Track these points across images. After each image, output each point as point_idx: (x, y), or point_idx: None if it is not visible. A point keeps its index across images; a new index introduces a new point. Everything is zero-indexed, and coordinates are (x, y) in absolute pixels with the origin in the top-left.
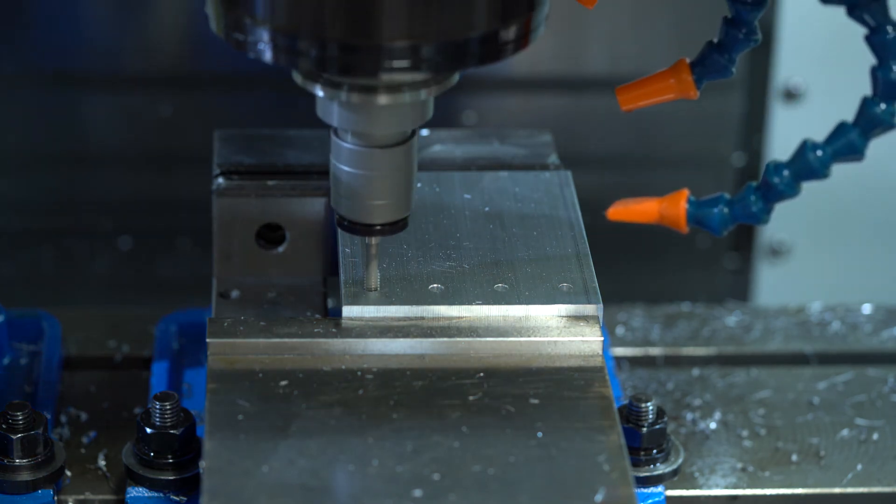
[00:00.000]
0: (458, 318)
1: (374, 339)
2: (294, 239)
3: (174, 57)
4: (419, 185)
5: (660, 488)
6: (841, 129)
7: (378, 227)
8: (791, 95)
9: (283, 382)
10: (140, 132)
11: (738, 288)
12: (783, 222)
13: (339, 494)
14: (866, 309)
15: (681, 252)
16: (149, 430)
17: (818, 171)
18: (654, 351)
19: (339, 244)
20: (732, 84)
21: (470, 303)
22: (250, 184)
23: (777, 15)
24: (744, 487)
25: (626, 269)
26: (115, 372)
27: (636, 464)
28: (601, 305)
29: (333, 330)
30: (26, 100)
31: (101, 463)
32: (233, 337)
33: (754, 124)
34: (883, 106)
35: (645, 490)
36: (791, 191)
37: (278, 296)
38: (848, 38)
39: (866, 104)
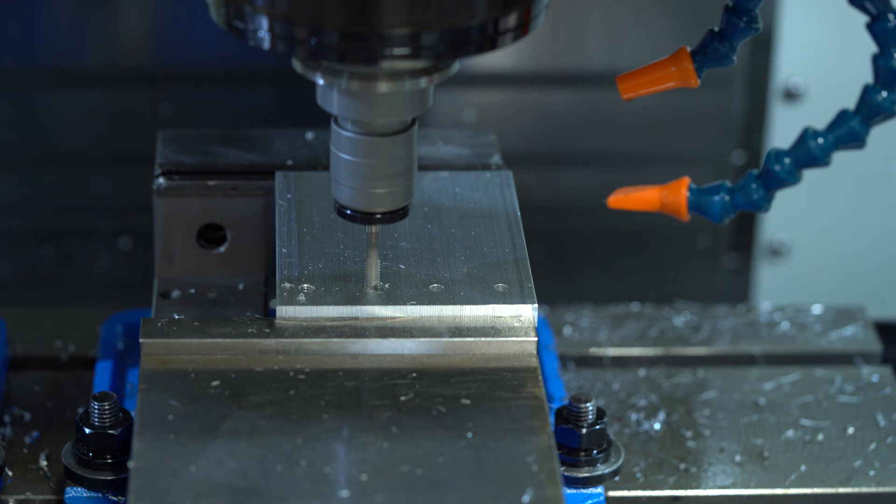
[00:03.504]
0: (393, 318)
1: (307, 340)
2: (235, 239)
3: (176, 53)
4: None
5: (599, 489)
6: (842, 116)
7: (378, 216)
8: (791, 95)
9: (215, 383)
10: (140, 131)
11: (738, 288)
12: (783, 222)
13: (266, 495)
14: (816, 309)
15: (681, 252)
16: (87, 431)
17: (819, 159)
18: (601, 351)
19: (277, 244)
20: (732, 83)
21: (405, 303)
22: (191, 184)
23: (777, 15)
24: (686, 488)
25: (625, 269)
26: (61, 372)
27: (576, 464)
28: (536, 306)
29: (267, 330)
30: (21, 97)
31: (43, 463)
32: (166, 337)
33: (754, 124)
34: (884, 94)
35: (584, 490)
36: (792, 178)
37: (219, 296)
38: (848, 38)
39: (867, 92)
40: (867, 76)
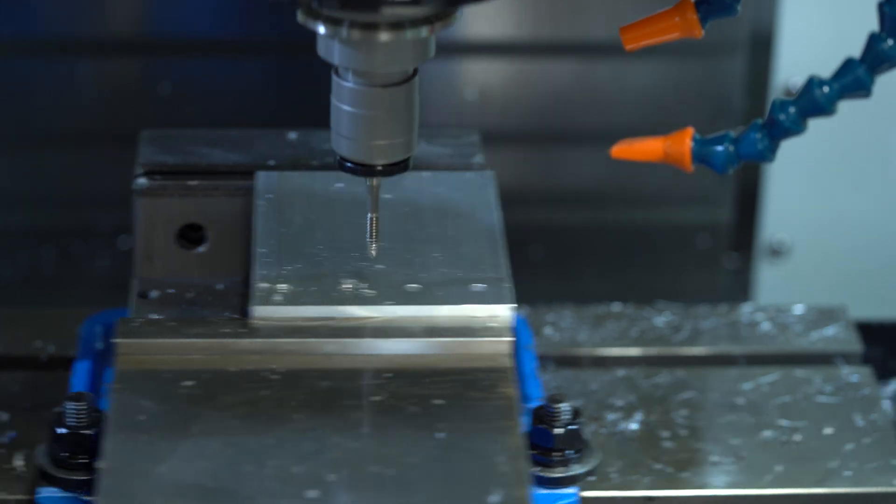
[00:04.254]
0: (369, 318)
1: (281, 340)
2: (215, 239)
3: (173, 23)
4: (340, 185)
5: (573, 489)
6: (848, 65)
7: (380, 168)
8: (791, 95)
9: (189, 383)
10: (137, 114)
11: (738, 288)
12: (783, 222)
13: (235, 495)
14: (797, 310)
15: (681, 252)
16: (62, 431)
17: (824, 107)
18: (581, 351)
19: (254, 244)
20: (733, 84)
21: (381, 303)
22: (172, 184)
23: (777, 15)
24: (662, 488)
25: (625, 269)
26: (40, 372)
27: (550, 464)
28: (513, 306)
29: (242, 330)
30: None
31: (19, 463)
32: (141, 337)
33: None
34: (890, 42)
35: (558, 491)
36: (797, 127)
37: (198, 296)
38: (848, 38)
39: (873, 40)
40: None
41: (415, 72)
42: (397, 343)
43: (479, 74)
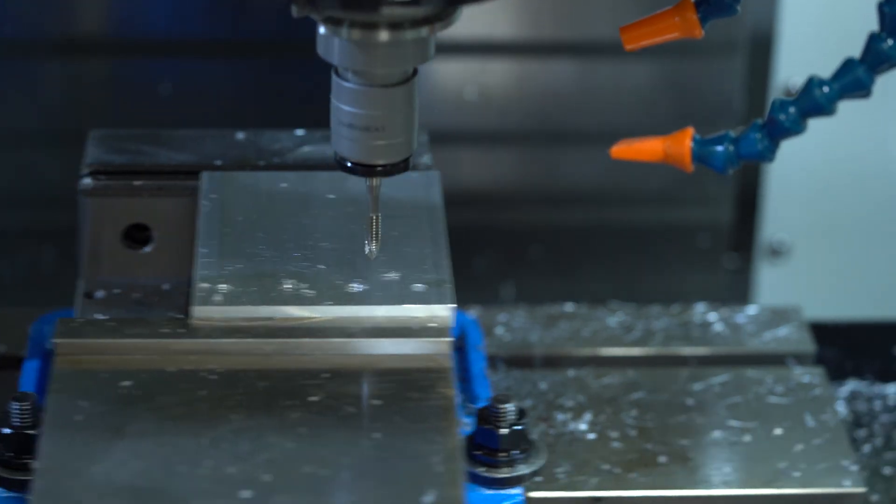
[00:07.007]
0: (309, 318)
1: (221, 340)
2: (161, 239)
3: (177, 25)
4: (284, 185)
5: (518, 489)
6: (847, 65)
7: (380, 168)
8: (791, 96)
9: (127, 383)
10: (138, 115)
11: (738, 288)
12: (783, 222)
13: (168, 495)
14: (751, 310)
15: (681, 252)
16: (6, 431)
17: (824, 107)
18: (532, 352)
19: (198, 244)
20: (733, 84)
21: (321, 303)
22: (117, 184)
23: (777, 15)
24: (608, 489)
25: (625, 269)
26: None
27: (495, 465)
28: (453, 306)
29: (181, 330)
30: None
31: None
32: (81, 337)
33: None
34: (890, 42)
35: (503, 491)
36: (797, 127)
37: (144, 296)
38: (848, 38)
39: (872, 40)
40: None
41: (414, 71)
42: (336, 343)
43: (479, 74)
